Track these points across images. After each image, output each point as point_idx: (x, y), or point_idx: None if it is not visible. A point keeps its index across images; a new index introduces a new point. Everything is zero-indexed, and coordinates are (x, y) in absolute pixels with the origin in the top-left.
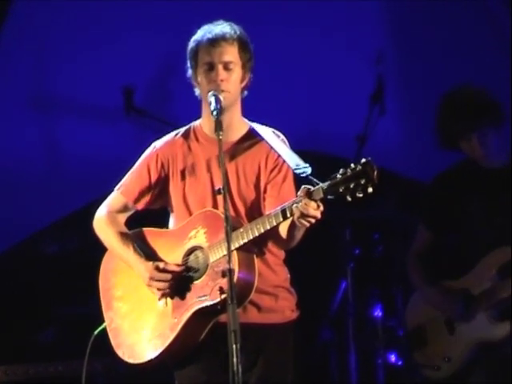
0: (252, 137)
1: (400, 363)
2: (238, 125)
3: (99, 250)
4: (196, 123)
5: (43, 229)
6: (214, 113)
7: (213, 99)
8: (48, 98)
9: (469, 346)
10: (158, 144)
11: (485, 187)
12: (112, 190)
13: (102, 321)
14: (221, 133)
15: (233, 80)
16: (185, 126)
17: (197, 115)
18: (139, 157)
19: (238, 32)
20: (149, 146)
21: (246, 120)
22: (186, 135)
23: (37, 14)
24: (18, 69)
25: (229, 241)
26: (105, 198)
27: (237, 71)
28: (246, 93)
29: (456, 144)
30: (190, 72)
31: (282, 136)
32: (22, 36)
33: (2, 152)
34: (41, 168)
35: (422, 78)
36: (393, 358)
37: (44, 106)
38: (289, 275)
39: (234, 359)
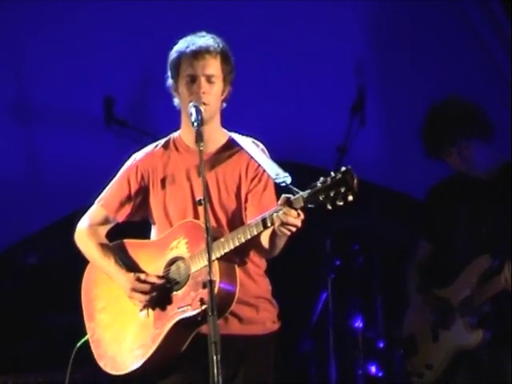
0: (232, 146)
1: (380, 374)
2: (217, 135)
3: (80, 260)
4: (175, 134)
5: (23, 240)
6: (195, 124)
7: (193, 110)
8: (28, 107)
9: (449, 353)
10: (137, 156)
11: (471, 198)
12: (92, 201)
13: (84, 332)
14: (201, 144)
15: (214, 93)
16: (164, 137)
17: (177, 126)
18: (120, 167)
19: (221, 45)
20: (129, 156)
21: (225, 130)
22: (165, 146)
23: (16, 23)
24: None
25: (209, 252)
26: (85, 208)
27: (218, 84)
28: (224, 105)
29: (440, 155)
30: (170, 82)
31: (262, 145)
32: (1, 45)
33: None
34: (21, 178)
35: (403, 88)
36: (373, 369)
37: (24, 116)
38: (270, 286)
39: (215, 370)
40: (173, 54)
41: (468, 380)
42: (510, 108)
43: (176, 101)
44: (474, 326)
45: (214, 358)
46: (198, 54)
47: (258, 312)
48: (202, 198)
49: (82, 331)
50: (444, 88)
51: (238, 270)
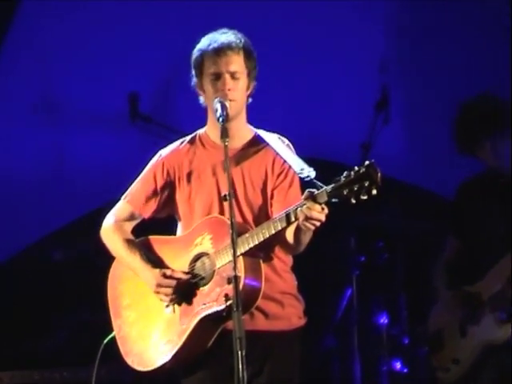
0: (257, 143)
1: (405, 371)
2: (243, 132)
3: (105, 256)
4: (201, 131)
5: (49, 236)
6: (220, 119)
7: (219, 106)
8: (53, 105)
9: (477, 348)
10: (163, 152)
11: (503, 196)
12: (118, 197)
13: (109, 328)
14: (227, 139)
15: (239, 89)
16: (190, 133)
17: (201, 121)
18: (144, 163)
19: (243, 40)
20: (154, 153)
21: (251, 127)
22: (191, 142)
23: (42, 22)
24: (24, 76)
25: (234, 247)
26: (110, 204)
27: (243, 80)
28: (250, 100)
29: (473, 152)
30: (194, 80)
31: (287, 141)
32: (28, 43)
33: (8, 159)
34: (46, 175)
35: (426, 87)
36: (398, 365)
37: (49, 113)
38: (296, 282)
39: (240, 366)
40: (195, 52)
41: (495, 375)
42: None
43: (201, 99)
44: (504, 321)
45: (239, 353)
46: (221, 51)
47: (284, 308)
48: (227, 193)
49: (106, 327)
50: (468, 86)
51: (263, 265)
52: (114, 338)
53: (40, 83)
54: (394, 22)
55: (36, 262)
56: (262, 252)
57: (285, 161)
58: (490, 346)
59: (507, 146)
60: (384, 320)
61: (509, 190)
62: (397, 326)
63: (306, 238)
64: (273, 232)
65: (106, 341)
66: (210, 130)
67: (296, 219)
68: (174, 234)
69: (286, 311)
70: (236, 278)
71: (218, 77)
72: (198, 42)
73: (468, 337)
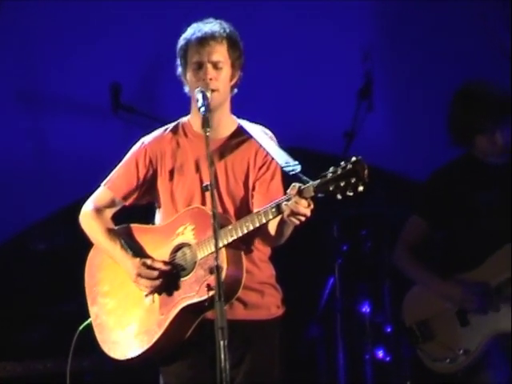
0: (241, 134)
1: (388, 359)
2: (226, 122)
3: (88, 246)
4: (184, 119)
5: (31, 226)
6: (202, 109)
7: (200, 96)
8: (36, 94)
9: (486, 337)
10: (146, 139)
11: (494, 180)
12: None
13: (89, 317)
14: (208, 129)
15: (222, 78)
16: (172, 122)
17: (184, 112)
18: (127, 153)
19: (228, 30)
20: (137, 140)
21: (234, 117)
22: (174, 131)
23: (24, 11)
24: (6, 65)
25: (216, 238)
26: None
27: (226, 70)
28: (235, 90)
29: (471, 140)
30: (179, 70)
31: (271, 133)
32: (9, 33)
33: None
34: (28, 165)
35: (410, 73)
36: (380, 353)
37: (31, 103)
38: (274, 272)
39: (222, 356)
40: (180, 41)
41: (503, 363)
42: None
43: (186, 88)
44: None
45: (221, 343)
46: (204, 40)
47: (263, 297)
48: (208, 183)
49: (88, 317)
50: (451, 73)
51: (244, 256)
52: (91, 326)
53: (22, 73)
54: (377, 9)
55: (18, 253)
56: (244, 244)
57: (268, 153)
58: (504, 334)
59: (505, 134)
60: (367, 309)
61: (496, 173)
62: (380, 314)
63: (288, 231)
64: (257, 225)
65: (80, 328)
66: (193, 120)
67: (281, 213)
68: (153, 223)
69: (265, 300)
70: (218, 268)
71: (200, 66)
72: (183, 32)
73: (473, 325)
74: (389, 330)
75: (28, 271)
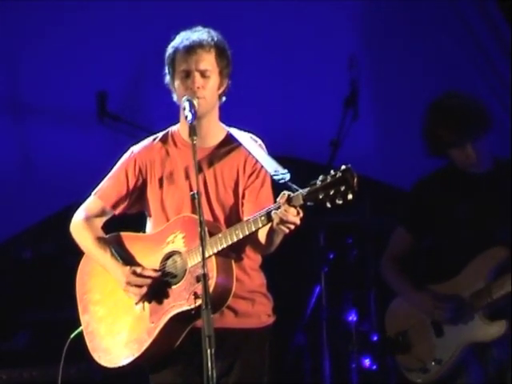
0: (230, 142)
1: (374, 367)
2: (215, 130)
3: (74, 254)
4: (174, 128)
5: (17, 234)
6: (189, 117)
7: (187, 104)
8: (20, 103)
9: (460, 346)
10: (135, 149)
11: (472, 191)
12: (86, 195)
13: (79, 325)
14: (195, 138)
15: (209, 87)
16: (159, 131)
17: (171, 120)
18: (113, 162)
19: (216, 39)
20: (124, 151)
21: (223, 125)
22: (164, 140)
23: (8, 18)
24: None
25: (203, 245)
26: (79, 203)
27: (213, 78)
28: (224, 99)
29: (445, 152)
30: (167, 78)
31: (260, 141)
32: None
33: None
34: (14, 174)
35: (396, 82)
36: (367, 362)
37: (17, 112)
38: (265, 280)
39: (209, 364)
40: (168, 49)
41: (487, 371)
42: (510, 104)
43: (175, 97)
44: (491, 318)
45: (208, 351)
46: (191, 48)
47: (254, 305)
48: (195, 192)
49: (77, 326)
50: (437, 82)
51: (234, 265)
52: (81, 335)
53: (6, 82)
54: (362, 18)
55: (4, 261)
56: (234, 252)
57: (257, 161)
58: (478, 344)
59: (480, 147)
60: (353, 317)
61: (476, 183)
62: (366, 322)
63: (278, 240)
64: (246, 233)
65: (72, 336)
66: (181, 129)
67: (270, 221)
68: (144, 231)
69: (255, 309)
70: (205, 277)
71: (187, 75)
72: (171, 40)
73: (447, 336)
74: (375, 338)
75: (13, 279)
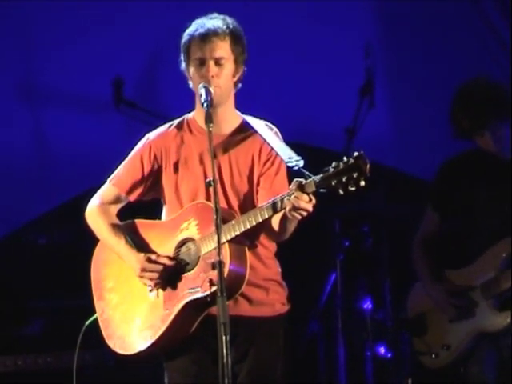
0: (245, 129)
1: (389, 355)
2: (230, 118)
3: (89, 241)
4: (189, 115)
5: (32, 221)
6: (205, 105)
7: (203, 91)
8: (37, 89)
9: (470, 334)
10: (151, 136)
11: (495, 177)
12: (101, 182)
13: (93, 312)
14: (211, 125)
15: (224, 75)
16: (175, 118)
17: (187, 107)
18: (129, 148)
19: (231, 26)
20: (140, 137)
21: (238, 113)
22: (179, 127)
23: (25, 6)
24: (6, 60)
25: (219, 233)
26: (94, 190)
27: (228, 66)
28: (239, 85)
29: (472, 137)
30: (183, 65)
31: (276, 129)
32: (10, 27)
33: None
34: (30, 159)
35: (412, 70)
36: (382, 350)
37: (33, 98)
38: (280, 269)
39: (224, 351)
40: (184, 37)
41: (493, 360)
42: None
43: (190, 83)
44: (499, 308)
45: (224, 338)
46: (206, 36)
47: (268, 294)
48: (211, 179)
49: (91, 312)
50: (453, 70)
51: (248, 252)
52: (96, 321)
53: (23, 68)
54: (378, 6)
55: (20, 247)
56: (248, 239)
57: (272, 148)
58: (486, 333)
59: (507, 132)
60: (368, 305)
61: (498, 170)
62: (381, 310)
63: (292, 227)
64: (259, 220)
65: (87, 323)
66: (197, 116)
67: (283, 208)
68: (160, 218)
69: (270, 297)
70: (220, 264)
71: (202, 62)
72: (187, 27)
73: (458, 323)
74: (390, 326)
75: (28, 265)
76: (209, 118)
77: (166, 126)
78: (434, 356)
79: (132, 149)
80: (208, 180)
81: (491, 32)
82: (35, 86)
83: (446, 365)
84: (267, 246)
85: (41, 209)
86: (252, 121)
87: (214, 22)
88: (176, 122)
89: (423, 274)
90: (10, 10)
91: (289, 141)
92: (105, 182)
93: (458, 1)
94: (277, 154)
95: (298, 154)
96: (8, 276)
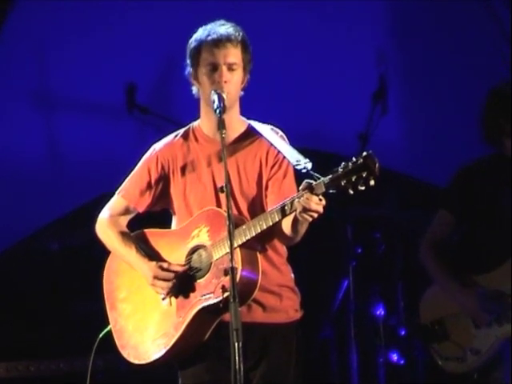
0: (251, 134)
1: (402, 362)
2: (236, 124)
3: (101, 247)
4: (195, 124)
5: (45, 226)
6: (217, 111)
7: (216, 97)
8: (50, 95)
9: (499, 339)
10: (157, 146)
11: None
12: (114, 187)
13: (105, 318)
14: (224, 131)
15: (234, 81)
16: (188, 123)
17: (199, 113)
18: (141, 155)
19: (241, 34)
20: (152, 143)
21: (243, 118)
22: (185, 136)
23: (38, 12)
24: (20, 67)
25: (231, 239)
26: (107, 195)
27: (238, 73)
28: (242, 93)
29: (500, 141)
30: (189, 70)
31: (281, 132)
32: (24, 34)
33: (4, 150)
34: (43, 165)
35: (424, 76)
36: (395, 356)
37: (46, 104)
38: (293, 275)
39: (236, 357)
40: (192, 42)
41: (506, 368)
42: None
43: (195, 89)
44: None
45: (236, 345)
46: (220, 42)
47: (282, 300)
48: (223, 184)
49: (102, 318)
50: (466, 76)
51: (260, 258)
52: (109, 332)
53: (36, 73)
54: (391, 11)
55: (32, 253)
56: (259, 244)
57: (279, 151)
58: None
59: None
60: (381, 311)
61: None
62: (394, 317)
63: (303, 229)
64: (270, 223)
65: (101, 335)
66: (203, 123)
67: (293, 210)
68: (169, 228)
69: (283, 304)
70: (233, 270)
71: (214, 68)
72: (194, 32)
73: (487, 327)
74: (403, 332)
75: (41, 272)
76: (222, 125)
77: (172, 135)
78: (460, 361)
79: (141, 157)
80: (221, 186)
81: (506, 38)
82: (48, 93)
83: (473, 369)
84: (280, 252)
85: (53, 215)
86: (257, 125)
87: (225, 28)
88: (181, 131)
89: (442, 278)
90: (23, 18)
91: (301, 146)
92: (118, 187)
93: (471, 6)
94: (284, 157)
95: (311, 159)
96: (20, 282)
